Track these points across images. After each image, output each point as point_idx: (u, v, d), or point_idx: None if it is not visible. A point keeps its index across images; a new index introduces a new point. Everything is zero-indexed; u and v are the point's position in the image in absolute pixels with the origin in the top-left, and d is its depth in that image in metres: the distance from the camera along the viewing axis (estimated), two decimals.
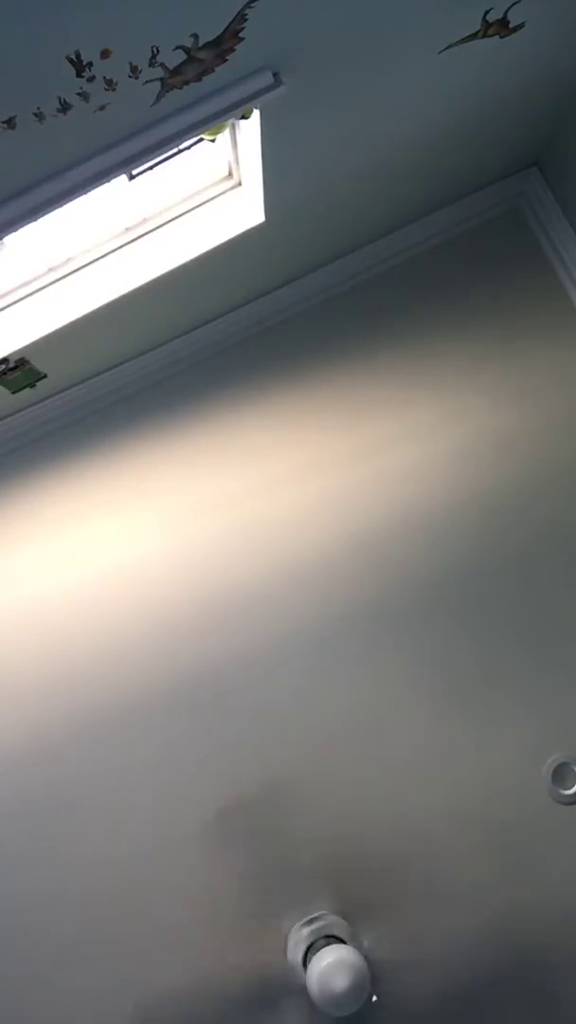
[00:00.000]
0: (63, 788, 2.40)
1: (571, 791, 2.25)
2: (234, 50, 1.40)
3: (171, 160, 1.77)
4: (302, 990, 2.03)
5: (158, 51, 1.32)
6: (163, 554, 2.52)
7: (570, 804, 2.25)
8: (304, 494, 2.51)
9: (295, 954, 2.11)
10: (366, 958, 1.96)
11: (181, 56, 1.36)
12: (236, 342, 2.63)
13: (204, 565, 2.50)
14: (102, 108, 1.39)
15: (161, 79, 1.39)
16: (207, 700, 2.41)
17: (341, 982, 1.90)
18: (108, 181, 1.56)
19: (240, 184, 2.00)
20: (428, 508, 2.45)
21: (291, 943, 2.17)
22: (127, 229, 2.04)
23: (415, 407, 2.53)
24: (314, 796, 2.30)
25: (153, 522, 2.55)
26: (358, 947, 2.03)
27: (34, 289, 2.06)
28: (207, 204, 2.03)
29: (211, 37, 1.35)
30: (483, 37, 1.69)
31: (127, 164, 1.55)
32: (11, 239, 1.76)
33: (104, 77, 1.32)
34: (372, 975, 1.96)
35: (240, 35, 1.37)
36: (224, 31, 1.35)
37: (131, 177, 1.71)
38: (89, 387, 2.61)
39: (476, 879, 2.22)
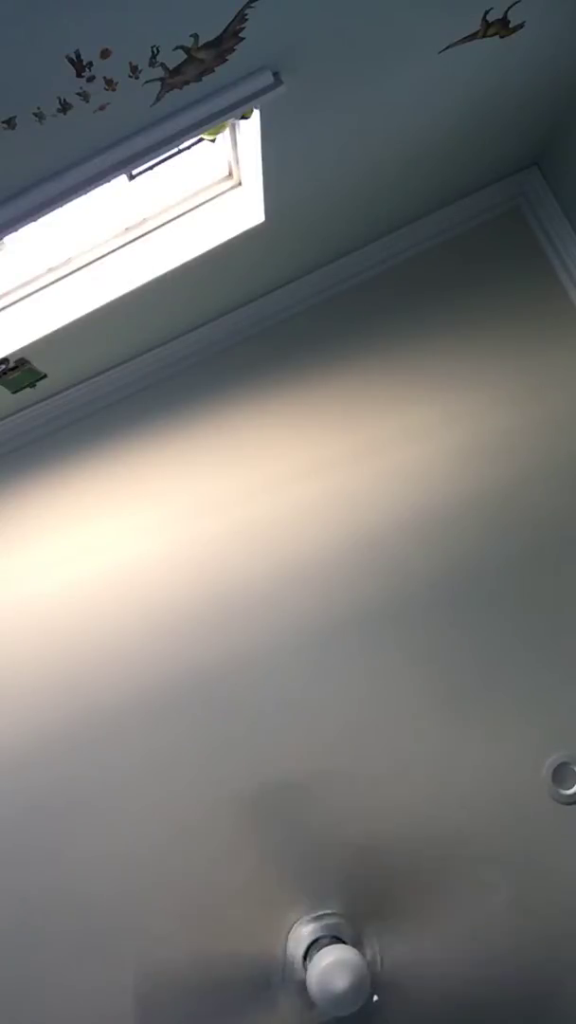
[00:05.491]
0: (63, 787, 2.40)
1: (571, 791, 2.25)
2: (234, 50, 1.40)
3: (171, 160, 1.78)
4: (299, 984, 2.03)
5: (158, 51, 1.32)
6: (163, 554, 2.52)
7: (570, 804, 2.25)
8: (304, 494, 2.51)
9: (295, 950, 2.12)
10: (370, 962, 1.97)
11: (181, 56, 1.36)
12: (236, 342, 2.63)
13: (204, 565, 2.50)
14: (102, 108, 1.39)
15: (161, 79, 1.39)
16: (208, 700, 2.41)
17: (341, 982, 1.90)
18: (108, 181, 1.56)
19: (240, 184, 2.00)
20: (428, 508, 2.45)
21: (292, 939, 2.17)
22: (127, 229, 2.04)
23: (415, 407, 2.53)
24: (312, 796, 2.29)
25: (153, 522, 2.55)
26: (361, 951, 2.03)
27: (34, 289, 2.06)
28: (207, 204, 2.03)
29: (211, 37, 1.35)
30: (483, 37, 1.69)
31: (127, 164, 1.55)
32: (11, 239, 1.76)
33: (104, 77, 1.32)
34: (374, 976, 1.95)
35: (240, 35, 1.37)
36: (224, 31, 1.35)
37: (131, 177, 1.71)
38: (89, 387, 2.61)
39: (476, 879, 2.22)
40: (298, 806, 2.29)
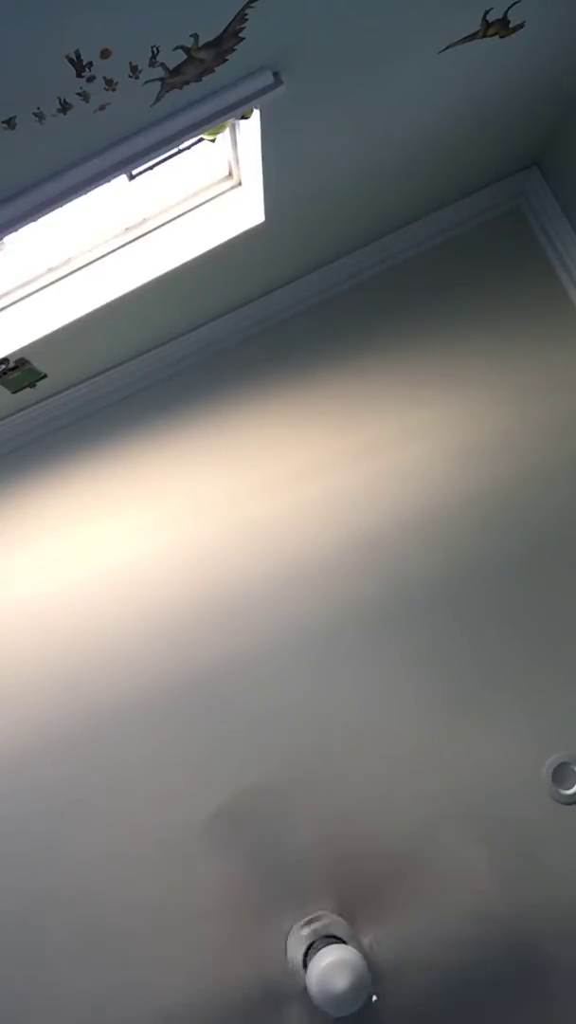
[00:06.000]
0: (62, 788, 2.40)
1: (571, 791, 2.25)
2: (234, 50, 1.40)
3: (171, 160, 1.78)
4: (302, 991, 2.03)
5: (158, 51, 1.32)
6: (163, 554, 2.52)
7: (570, 804, 2.25)
8: (304, 494, 2.51)
9: (295, 954, 2.11)
10: (366, 958, 1.96)
11: (181, 56, 1.36)
12: (236, 342, 2.63)
13: (204, 565, 2.50)
14: (102, 108, 1.39)
15: (161, 79, 1.39)
16: (207, 700, 2.41)
17: (341, 982, 1.90)
18: (108, 181, 1.56)
19: (240, 184, 2.00)
20: (429, 508, 2.45)
21: (291, 943, 2.17)
22: (127, 229, 2.04)
23: (415, 407, 2.53)
24: (313, 796, 2.29)
25: (153, 522, 2.55)
26: (358, 947, 2.03)
27: (34, 289, 2.06)
28: (207, 204, 2.03)
29: (211, 37, 1.35)
30: (483, 37, 1.69)
31: (127, 164, 1.55)
32: (11, 239, 1.76)
33: (104, 77, 1.32)
34: (372, 975, 1.95)
35: (240, 35, 1.37)
36: (224, 31, 1.35)
37: (131, 177, 1.72)
38: (89, 387, 2.61)
39: (476, 879, 2.22)
40: (296, 806, 2.29)
